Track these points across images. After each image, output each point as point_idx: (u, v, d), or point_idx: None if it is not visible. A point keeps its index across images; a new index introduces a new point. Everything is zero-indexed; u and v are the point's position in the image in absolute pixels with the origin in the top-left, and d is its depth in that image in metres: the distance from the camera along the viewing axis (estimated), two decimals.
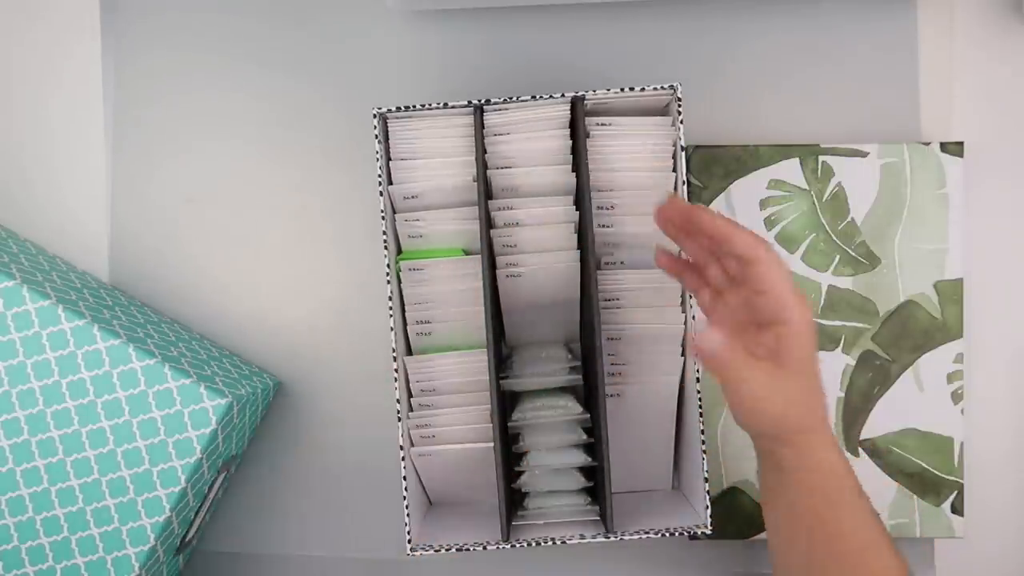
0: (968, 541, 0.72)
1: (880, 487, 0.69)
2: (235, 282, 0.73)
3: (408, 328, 0.65)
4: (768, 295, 0.52)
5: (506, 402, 0.65)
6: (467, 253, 0.65)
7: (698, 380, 0.61)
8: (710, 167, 0.70)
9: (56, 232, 0.73)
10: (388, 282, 0.62)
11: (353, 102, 0.73)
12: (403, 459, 0.61)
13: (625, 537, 0.60)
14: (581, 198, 0.62)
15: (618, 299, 0.64)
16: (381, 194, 0.62)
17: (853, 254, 0.70)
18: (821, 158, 0.70)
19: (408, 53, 0.73)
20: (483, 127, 0.62)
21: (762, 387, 0.53)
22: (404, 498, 0.61)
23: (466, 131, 0.63)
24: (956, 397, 0.69)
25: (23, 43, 0.73)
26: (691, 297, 0.62)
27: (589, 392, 0.63)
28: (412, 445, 0.64)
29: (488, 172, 0.63)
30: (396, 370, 0.61)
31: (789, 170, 0.70)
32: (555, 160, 0.64)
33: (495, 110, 0.62)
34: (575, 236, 0.64)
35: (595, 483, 0.64)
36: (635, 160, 0.64)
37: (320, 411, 0.73)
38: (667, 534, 0.60)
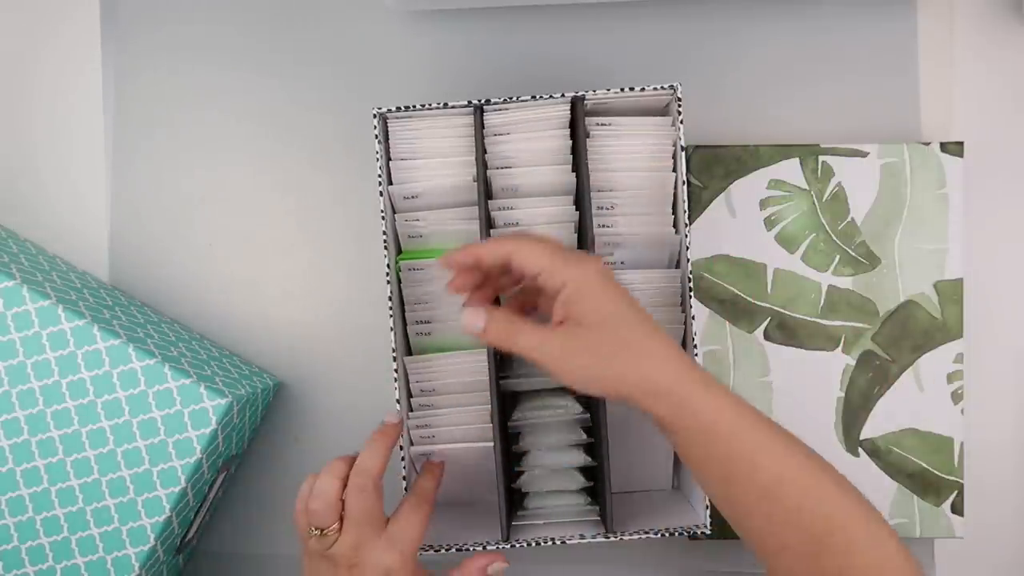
0: (968, 541, 0.72)
1: (880, 487, 0.69)
2: (235, 282, 0.73)
3: (408, 328, 0.65)
4: (541, 274, 0.52)
5: (506, 402, 0.65)
6: None
7: None
8: (710, 167, 0.70)
9: (56, 232, 0.73)
10: (388, 282, 0.62)
11: (353, 102, 0.73)
12: (403, 459, 0.61)
13: (625, 537, 0.60)
14: (581, 198, 0.62)
15: None
16: (381, 194, 0.62)
17: (853, 254, 0.70)
18: (821, 158, 0.70)
19: (408, 53, 0.73)
20: (483, 127, 0.62)
21: (566, 349, 0.52)
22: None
23: (466, 131, 0.63)
24: (956, 397, 0.69)
25: (25, 44, 0.73)
26: (691, 296, 0.62)
27: None
28: (412, 445, 0.64)
29: (488, 172, 0.63)
30: (396, 370, 0.61)
31: (789, 170, 0.70)
32: (555, 160, 0.64)
33: (495, 110, 0.62)
34: (575, 236, 0.64)
35: (595, 483, 0.64)
36: (635, 160, 0.64)
37: (320, 411, 0.73)
38: (667, 534, 0.60)
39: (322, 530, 0.55)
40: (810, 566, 0.50)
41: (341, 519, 0.55)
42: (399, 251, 0.65)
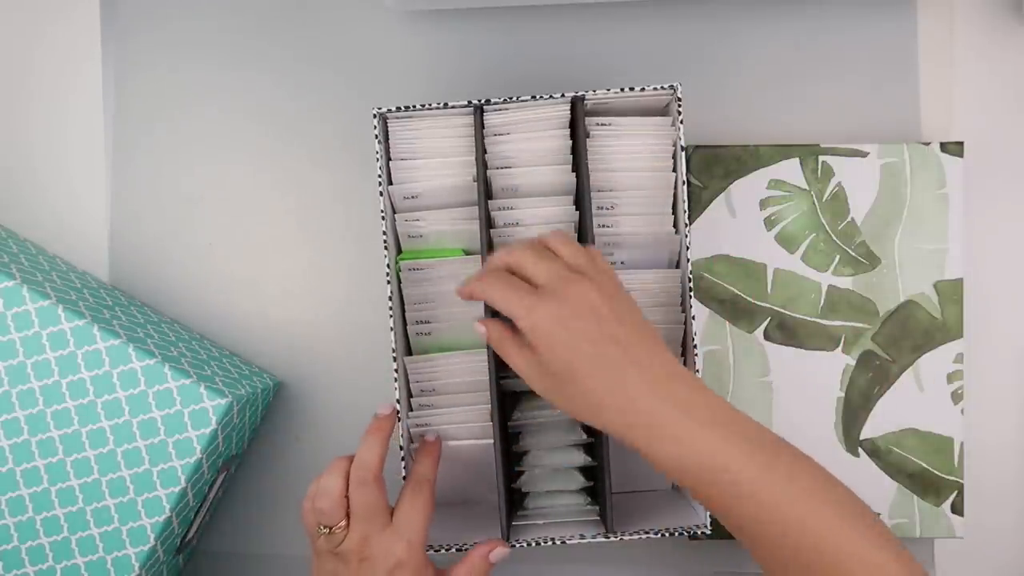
0: (968, 541, 0.72)
1: (880, 487, 0.69)
2: (235, 282, 0.73)
3: (408, 328, 0.65)
4: (503, 312, 0.53)
5: (506, 402, 0.65)
6: (467, 253, 0.65)
7: None
8: (710, 167, 0.70)
9: (56, 232, 0.73)
10: (388, 282, 0.62)
11: (353, 102, 0.73)
12: (403, 459, 0.61)
13: (625, 537, 0.60)
14: (581, 198, 0.62)
15: None
16: (381, 194, 0.62)
17: (853, 254, 0.70)
18: (821, 158, 0.70)
19: (408, 53, 0.73)
20: (483, 127, 0.62)
21: (539, 380, 0.53)
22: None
23: (466, 131, 0.63)
24: (956, 397, 0.69)
25: (24, 43, 0.73)
26: (691, 296, 0.62)
27: None
28: (412, 443, 0.64)
29: (488, 172, 0.63)
30: (396, 370, 0.61)
31: (789, 170, 0.70)
32: (555, 160, 0.64)
33: (495, 110, 0.62)
34: (575, 236, 0.64)
35: (595, 483, 0.64)
36: (635, 160, 0.64)
37: (320, 411, 0.73)
38: (667, 534, 0.60)
39: (330, 528, 0.55)
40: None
41: (348, 516, 0.55)
42: (399, 251, 0.65)
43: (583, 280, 0.53)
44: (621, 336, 0.52)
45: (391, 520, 0.56)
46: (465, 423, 0.63)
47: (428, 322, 0.64)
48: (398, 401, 0.61)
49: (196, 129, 0.73)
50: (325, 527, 0.55)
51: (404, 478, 0.61)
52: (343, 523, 0.55)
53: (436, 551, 0.60)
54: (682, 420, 0.50)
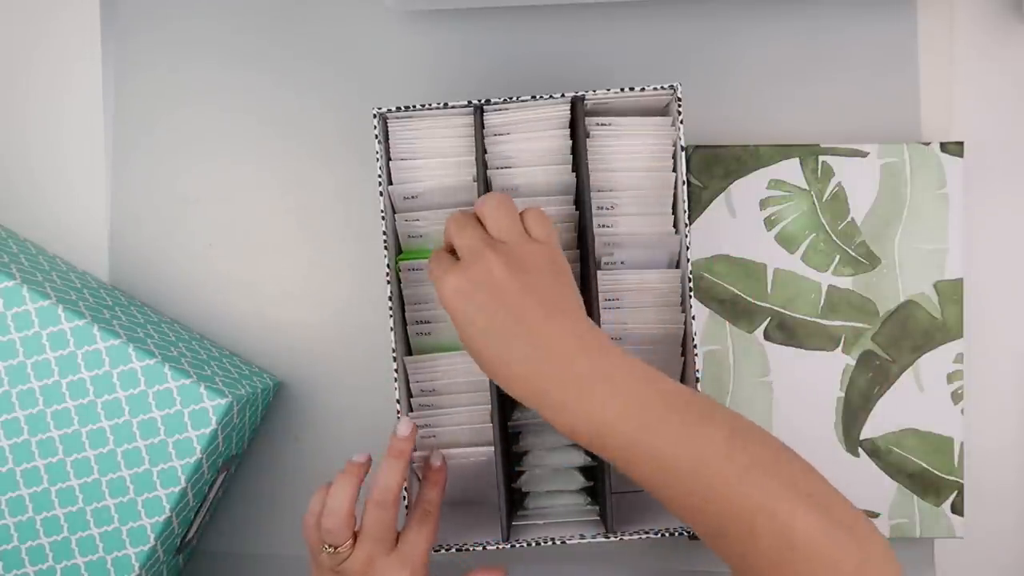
0: (968, 541, 0.72)
1: (880, 487, 0.69)
2: (235, 282, 0.73)
3: (408, 328, 0.65)
4: None
5: (506, 402, 0.65)
6: None
7: (697, 380, 0.61)
8: (710, 167, 0.70)
9: (56, 232, 0.73)
10: (388, 282, 0.62)
11: (353, 102, 0.73)
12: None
13: (625, 537, 0.60)
14: (581, 198, 0.62)
15: (618, 299, 0.64)
16: (381, 194, 0.62)
17: (853, 254, 0.70)
18: (821, 158, 0.70)
19: (408, 53, 0.73)
20: (483, 127, 0.62)
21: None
22: (404, 498, 0.61)
23: (466, 131, 0.63)
24: (956, 397, 0.69)
25: (24, 43, 0.73)
26: (691, 296, 0.62)
27: None
28: (415, 451, 0.64)
29: (488, 172, 0.63)
30: (396, 370, 0.61)
31: (789, 170, 0.70)
32: (555, 160, 0.64)
33: (495, 110, 0.62)
34: (575, 236, 0.64)
35: (595, 483, 0.64)
36: (635, 160, 0.64)
37: (320, 411, 0.73)
38: (667, 534, 0.60)
39: (335, 547, 0.55)
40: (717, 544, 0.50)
41: (354, 535, 0.56)
42: (399, 251, 0.65)
43: (490, 252, 0.53)
44: (520, 308, 0.51)
45: (396, 544, 0.57)
46: (465, 423, 0.63)
47: (428, 322, 0.64)
48: (398, 401, 0.61)
49: (196, 129, 0.73)
50: (331, 546, 0.55)
51: (405, 488, 0.61)
52: (349, 543, 0.56)
53: (436, 551, 0.60)
54: (568, 388, 0.50)
